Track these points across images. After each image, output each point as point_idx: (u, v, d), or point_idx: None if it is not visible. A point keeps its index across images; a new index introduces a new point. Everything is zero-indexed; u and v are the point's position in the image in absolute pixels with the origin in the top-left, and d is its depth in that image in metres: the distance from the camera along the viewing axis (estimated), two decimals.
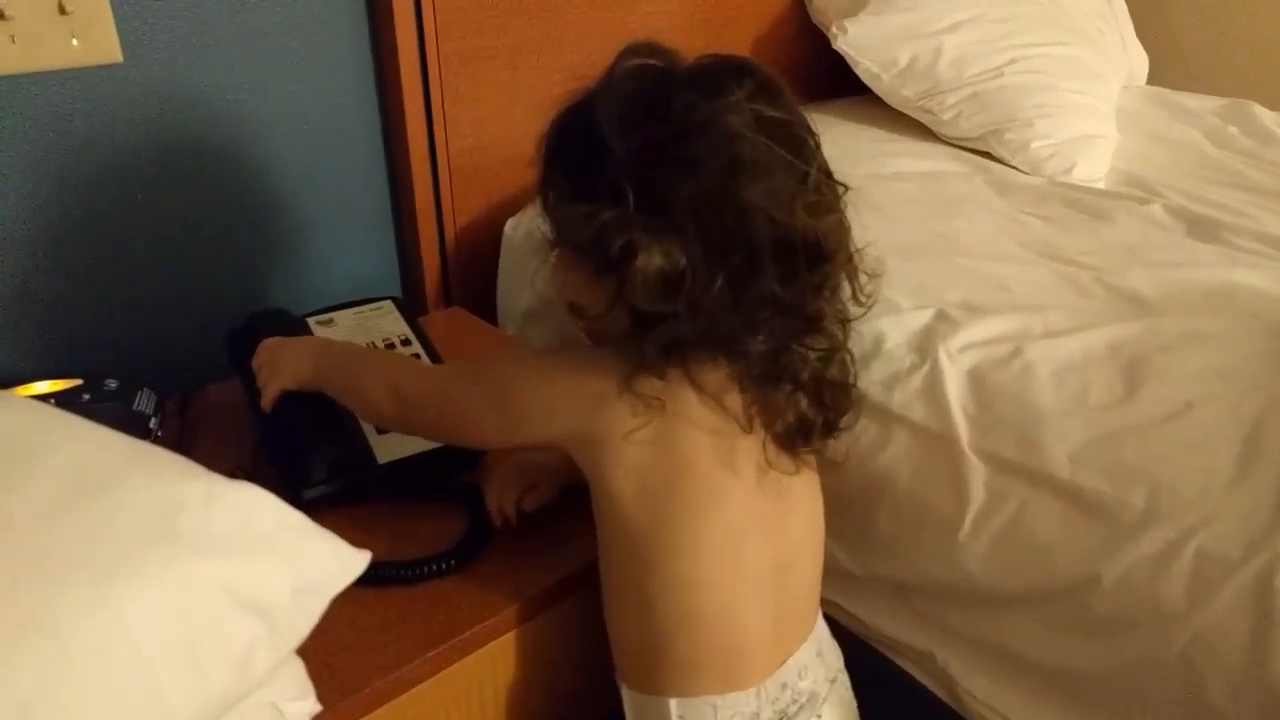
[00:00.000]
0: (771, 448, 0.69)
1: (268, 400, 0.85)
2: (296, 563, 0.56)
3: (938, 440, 0.86)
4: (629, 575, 0.70)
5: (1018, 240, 1.18)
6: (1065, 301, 1.01)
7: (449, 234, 1.28)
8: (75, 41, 0.93)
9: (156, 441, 0.88)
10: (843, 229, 0.68)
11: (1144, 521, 0.74)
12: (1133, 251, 1.14)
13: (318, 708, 0.63)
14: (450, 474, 0.89)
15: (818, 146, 0.68)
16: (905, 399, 0.89)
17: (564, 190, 0.67)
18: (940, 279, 1.05)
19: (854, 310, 0.73)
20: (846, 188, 0.69)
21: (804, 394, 0.68)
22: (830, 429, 0.73)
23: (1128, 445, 0.80)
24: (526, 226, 1.25)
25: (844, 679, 0.80)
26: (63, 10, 0.90)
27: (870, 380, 0.91)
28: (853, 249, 0.70)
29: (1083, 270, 1.08)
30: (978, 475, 0.83)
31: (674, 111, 0.63)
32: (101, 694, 0.46)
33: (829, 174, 0.68)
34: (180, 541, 0.51)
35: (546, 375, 0.70)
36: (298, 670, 0.62)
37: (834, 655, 0.80)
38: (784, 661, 0.72)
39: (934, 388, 0.89)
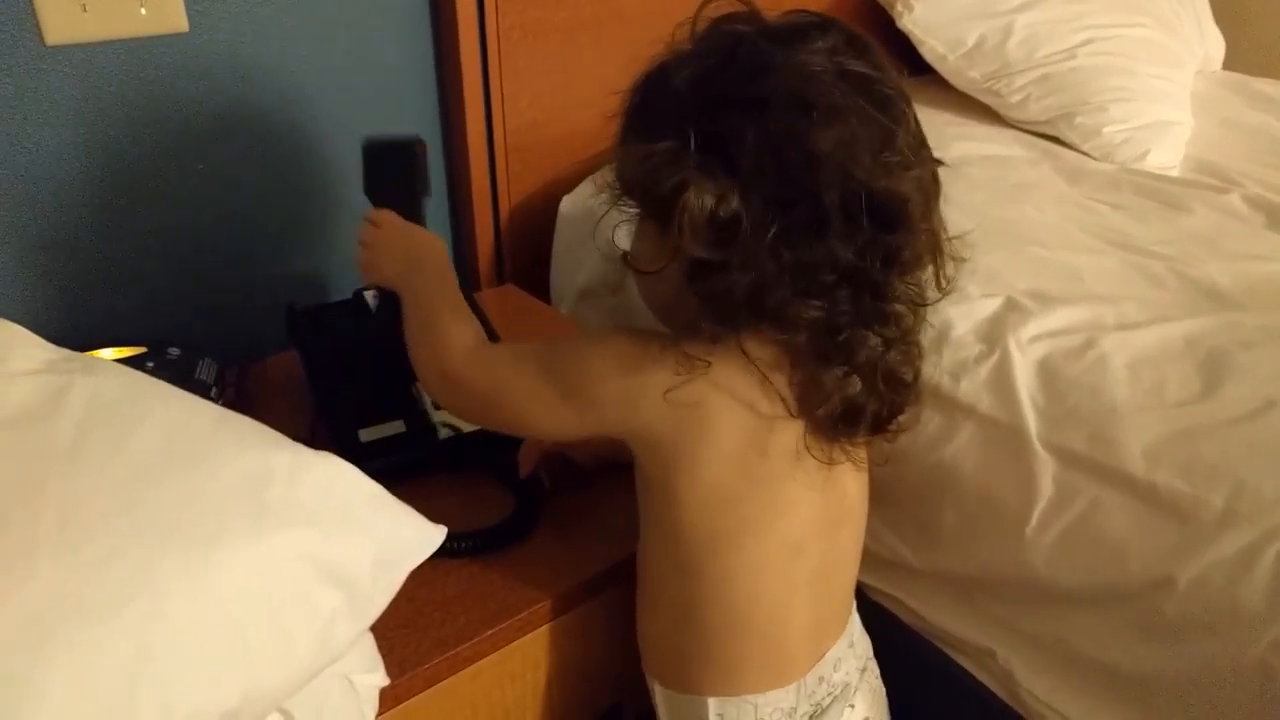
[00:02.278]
0: (810, 434, 0.63)
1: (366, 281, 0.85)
2: (377, 535, 0.56)
3: (1006, 432, 0.83)
4: (674, 581, 0.68)
5: (1088, 229, 1.14)
6: (1139, 293, 0.98)
7: (503, 211, 1.27)
8: (143, 10, 0.93)
9: None
10: (927, 198, 0.61)
11: (1223, 522, 0.72)
12: (1210, 242, 1.10)
13: (386, 681, 0.63)
14: (506, 451, 0.89)
15: (910, 112, 0.61)
16: (973, 389, 0.87)
17: (629, 137, 0.64)
18: (1009, 267, 1.02)
19: (931, 294, 0.65)
20: (941, 163, 0.64)
21: (858, 377, 0.62)
22: (883, 424, 0.66)
23: (1206, 443, 0.77)
24: (582, 204, 1.24)
25: (873, 666, 0.78)
26: None
27: (937, 369, 0.89)
28: (940, 227, 0.63)
29: (1157, 261, 1.05)
30: (1046, 469, 0.80)
31: (746, 52, 0.59)
32: (198, 658, 0.46)
33: (923, 142, 0.62)
34: (269, 511, 0.51)
35: (629, 365, 0.64)
36: (368, 644, 0.62)
37: (864, 644, 0.78)
38: (822, 656, 0.71)
39: (1003, 378, 0.86)
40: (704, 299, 0.60)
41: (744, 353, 0.61)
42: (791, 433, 0.63)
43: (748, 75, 0.58)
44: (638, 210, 0.65)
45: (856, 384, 0.62)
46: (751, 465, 0.63)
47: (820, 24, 0.60)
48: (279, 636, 0.50)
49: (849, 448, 0.65)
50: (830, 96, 0.57)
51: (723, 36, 0.62)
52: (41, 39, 0.90)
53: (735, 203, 0.57)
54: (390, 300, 0.81)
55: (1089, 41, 1.45)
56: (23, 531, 0.45)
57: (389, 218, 0.85)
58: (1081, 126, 1.39)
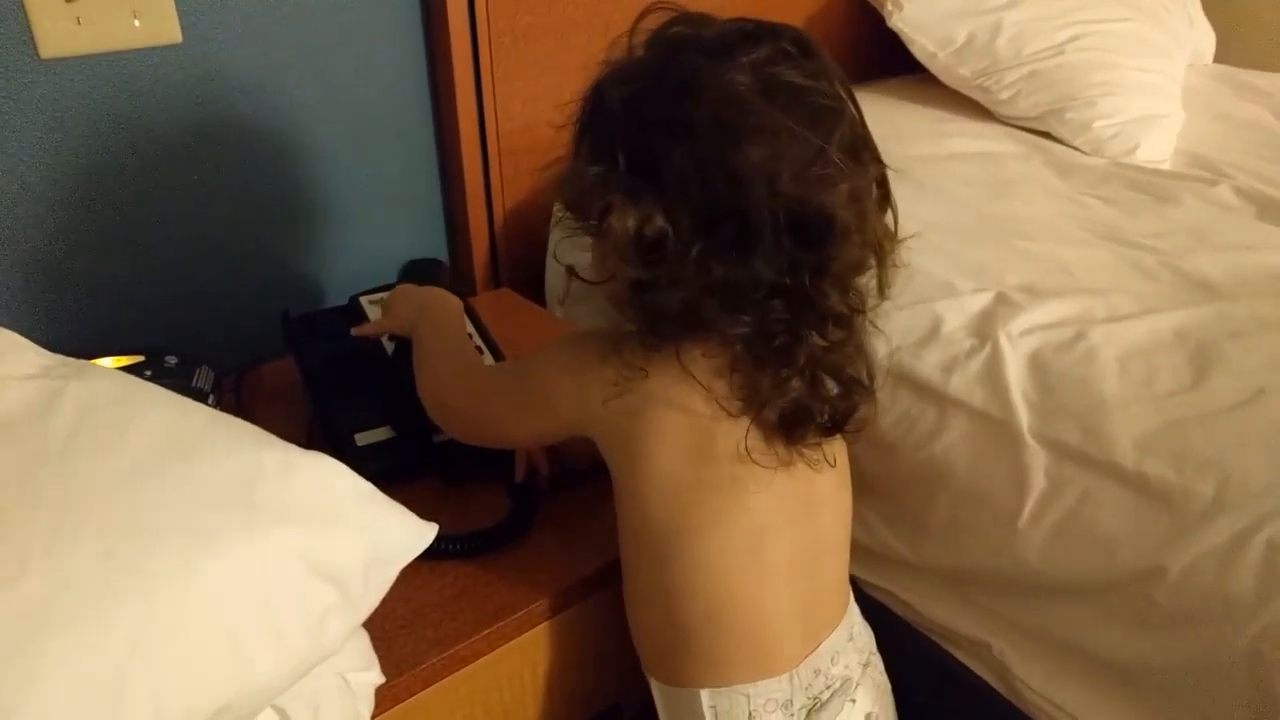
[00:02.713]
0: (755, 435, 0.64)
1: (363, 330, 0.93)
2: (369, 533, 0.57)
3: (997, 426, 0.84)
4: (651, 574, 0.69)
5: (1079, 222, 1.15)
6: (1129, 285, 0.99)
7: (498, 215, 1.28)
8: (137, 22, 0.94)
9: None
10: (861, 208, 0.61)
11: (1212, 511, 0.72)
12: (1200, 235, 1.10)
13: (381, 679, 0.64)
14: (500, 454, 0.89)
15: (846, 121, 0.62)
16: (964, 383, 0.87)
17: (575, 152, 0.66)
18: (999, 261, 1.03)
19: (872, 301, 0.66)
20: (885, 166, 0.64)
21: (799, 380, 0.63)
22: (837, 425, 0.67)
23: (1196, 433, 0.78)
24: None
25: (877, 661, 0.78)
26: None
27: (927, 364, 0.90)
28: (882, 233, 0.64)
29: (1147, 253, 1.05)
30: (1038, 462, 0.81)
31: (676, 71, 0.60)
32: (189, 655, 0.47)
33: (861, 149, 0.63)
34: (260, 509, 0.52)
35: (574, 373, 0.68)
36: (363, 642, 0.62)
37: (866, 638, 0.78)
38: (816, 648, 0.71)
39: (994, 372, 0.87)
40: (637, 314, 0.62)
41: (680, 362, 0.63)
42: (739, 432, 0.64)
43: (675, 97, 0.60)
44: (581, 226, 0.66)
45: (798, 386, 0.63)
46: (700, 466, 0.65)
47: (755, 34, 0.61)
48: (271, 633, 0.50)
49: (804, 450, 0.66)
50: (755, 118, 0.58)
51: (657, 51, 0.63)
52: (36, 52, 0.90)
53: (660, 222, 0.59)
54: (404, 345, 0.88)
55: (1077, 37, 1.46)
56: (17, 531, 0.46)
57: (401, 289, 0.94)
58: (1071, 121, 1.40)
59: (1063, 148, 1.39)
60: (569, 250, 0.71)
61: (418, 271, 0.99)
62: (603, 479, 0.84)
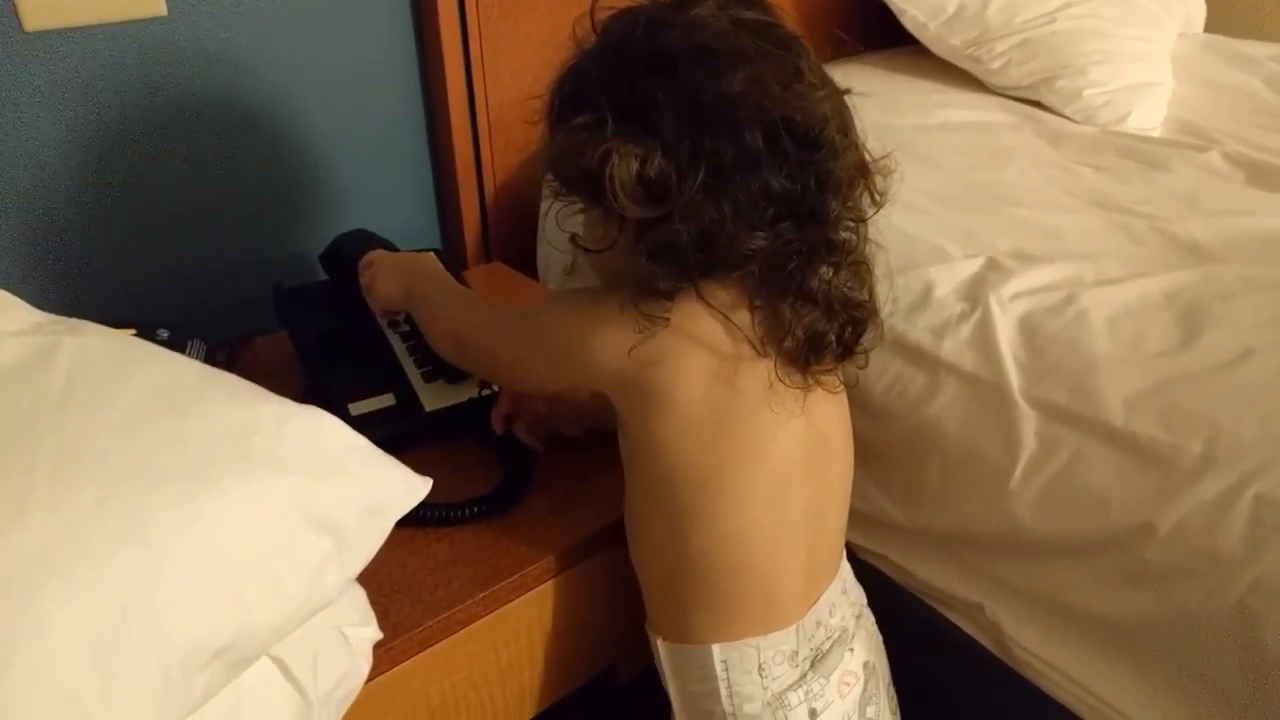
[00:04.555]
0: (781, 367, 0.65)
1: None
2: (364, 484, 0.57)
3: (988, 389, 0.84)
4: (668, 529, 0.69)
5: (1070, 190, 1.15)
6: (1119, 250, 0.99)
7: (488, 188, 1.28)
8: None
9: None
10: (843, 118, 0.64)
11: (1201, 468, 0.73)
12: (1190, 200, 1.11)
13: (379, 635, 0.64)
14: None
15: (808, 51, 0.65)
16: (955, 347, 0.88)
17: (552, 129, 0.67)
18: (990, 228, 1.03)
19: (869, 210, 0.68)
20: (848, 90, 0.66)
21: (814, 306, 0.65)
22: (848, 349, 0.69)
23: (1185, 392, 0.78)
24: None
25: (868, 613, 0.80)
26: None
27: (919, 329, 0.90)
28: (862, 145, 0.66)
29: (1138, 219, 1.06)
30: (1029, 423, 0.81)
31: (643, 24, 0.63)
32: (190, 596, 0.47)
33: (826, 76, 0.65)
34: (257, 459, 0.52)
35: (587, 316, 0.68)
36: (360, 597, 0.63)
37: (857, 591, 0.80)
38: (816, 600, 0.72)
39: (985, 336, 0.87)
40: (653, 257, 0.62)
41: (702, 299, 0.63)
42: (761, 368, 0.65)
43: (648, 41, 0.62)
44: (577, 199, 0.67)
45: (814, 312, 0.65)
46: (723, 403, 0.65)
47: None
48: (269, 579, 0.51)
49: (820, 375, 0.68)
50: (730, 41, 0.61)
51: (619, 19, 0.66)
52: (21, 25, 0.90)
53: (659, 159, 0.60)
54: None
55: (1069, 4, 1.46)
56: (18, 480, 0.46)
57: (378, 254, 0.93)
58: (1062, 90, 1.39)
59: (1054, 117, 1.39)
60: (567, 222, 0.71)
61: (353, 246, 0.97)
62: (596, 444, 0.85)
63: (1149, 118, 1.36)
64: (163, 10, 0.97)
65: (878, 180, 0.67)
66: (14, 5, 0.89)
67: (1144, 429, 0.76)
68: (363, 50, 1.14)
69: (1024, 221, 1.05)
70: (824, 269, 0.64)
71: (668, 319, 0.63)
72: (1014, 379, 0.83)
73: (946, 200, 1.10)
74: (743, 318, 0.64)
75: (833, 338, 0.66)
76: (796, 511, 0.69)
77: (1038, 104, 1.43)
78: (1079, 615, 0.78)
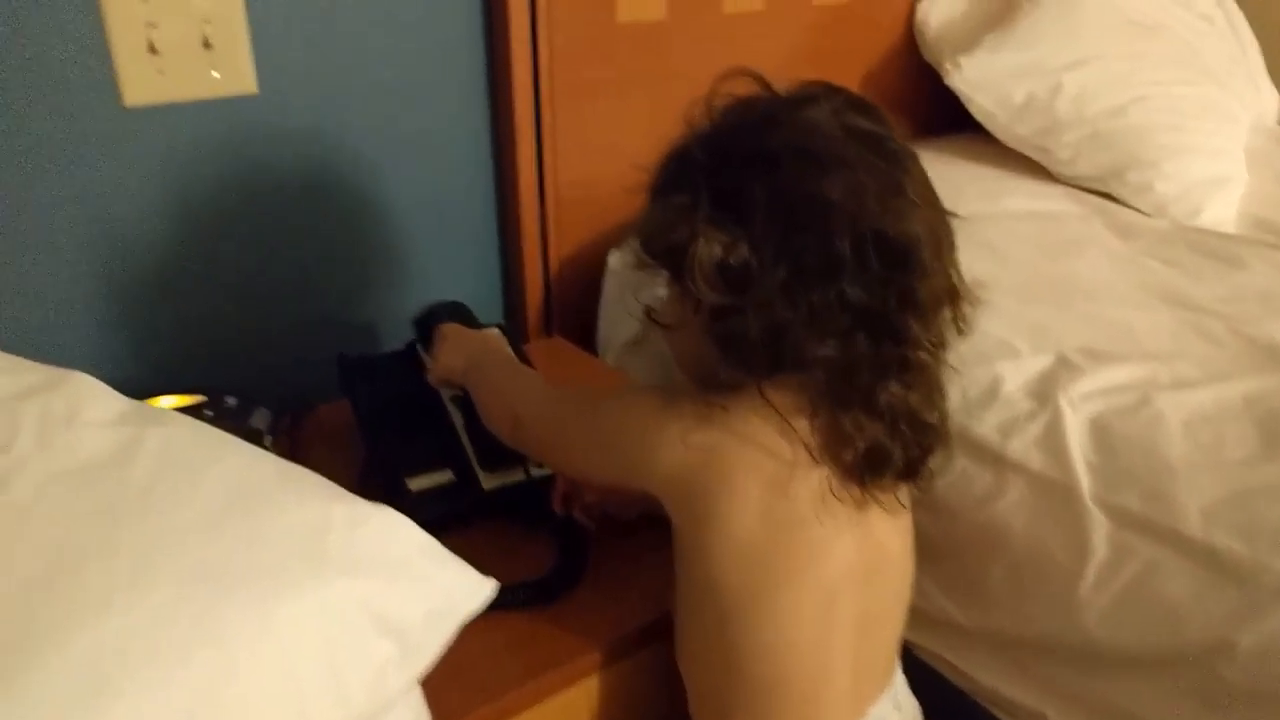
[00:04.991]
0: (837, 479, 0.63)
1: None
2: (430, 586, 0.57)
3: (1057, 490, 0.82)
4: (713, 634, 0.67)
5: (1140, 285, 1.13)
6: (1195, 350, 0.97)
7: (553, 264, 1.29)
8: (215, 74, 0.98)
9: None
10: (938, 240, 0.63)
11: None
12: (1268, 299, 1.08)
13: None
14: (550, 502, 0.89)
15: (917, 167, 0.64)
16: (1023, 446, 0.86)
17: (650, 203, 0.67)
18: (1059, 323, 1.01)
19: (951, 338, 0.67)
20: (955, 215, 0.65)
21: (879, 421, 0.63)
22: (913, 470, 0.66)
23: (1267, 505, 0.75)
24: (630, 257, 1.26)
25: None
26: (207, 45, 0.95)
27: (985, 425, 0.88)
28: (953, 271, 0.65)
29: (1213, 318, 1.03)
30: (1100, 529, 0.79)
31: (756, 115, 0.64)
32: (255, 703, 0.47)
33: (933, 194, 0.64)
34: (328, 560, 0.52)
35: (650, 414, 0.67)
36: (417, 697, 0.62)
37: (911, 707, 0.76)
38: (864, 714, 0.69)
39: (1054, 436, 0.85)
40: (721, 345, 0.62)
41: (763, 397, 0.62)
42: (816, 478, 0.63)
43: (757, 134, 0.62)
44: (660, 270, 0.68)
45: (878, 428, 0.63)
46: (776, 511, 0.63)
47: (827, 90, 0.65)
48: (332, 683, 0.50)
49: (879, 493, 0.66)
50: (836, 148, 0.61)
51: (737, 108, 0.66)
52: (121, 101, 0.94)
53: (745, 250, 0.60)
54: (466, 400, 0.89)
55: (1141, 99, 1.44)
56: (99, 575, 0.47)
57: (450, 328, 0.95)
58: (1133, 183, 1.38)
59: (1124, 209, 1.38)
60: (643, 295, 0.72)
61: (441, 315, 0.99)
62: (651, 529, 0.83)
63: (1223, 213, 1.34)
64: (254, 89, 1.01)
65: (966, 308, 0.66)
66: (115, 83, 0.93)
67: (1223, 541, 0.73)
68: (438, 127, 1.17)
69: (1094, 317, 1.03)
70: (895, 386, 0.63)
71: (725, 408, 0.63)
72: (1085, 482, 0.81)
73: (1013, 292, 1.08)
74: (801, 423, 0.63)
75: (897, 457, 0.64)
76: (846, 623, 0.67)
77: (1107, 195, 1.41)
78: None
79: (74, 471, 0.52)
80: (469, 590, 0.60)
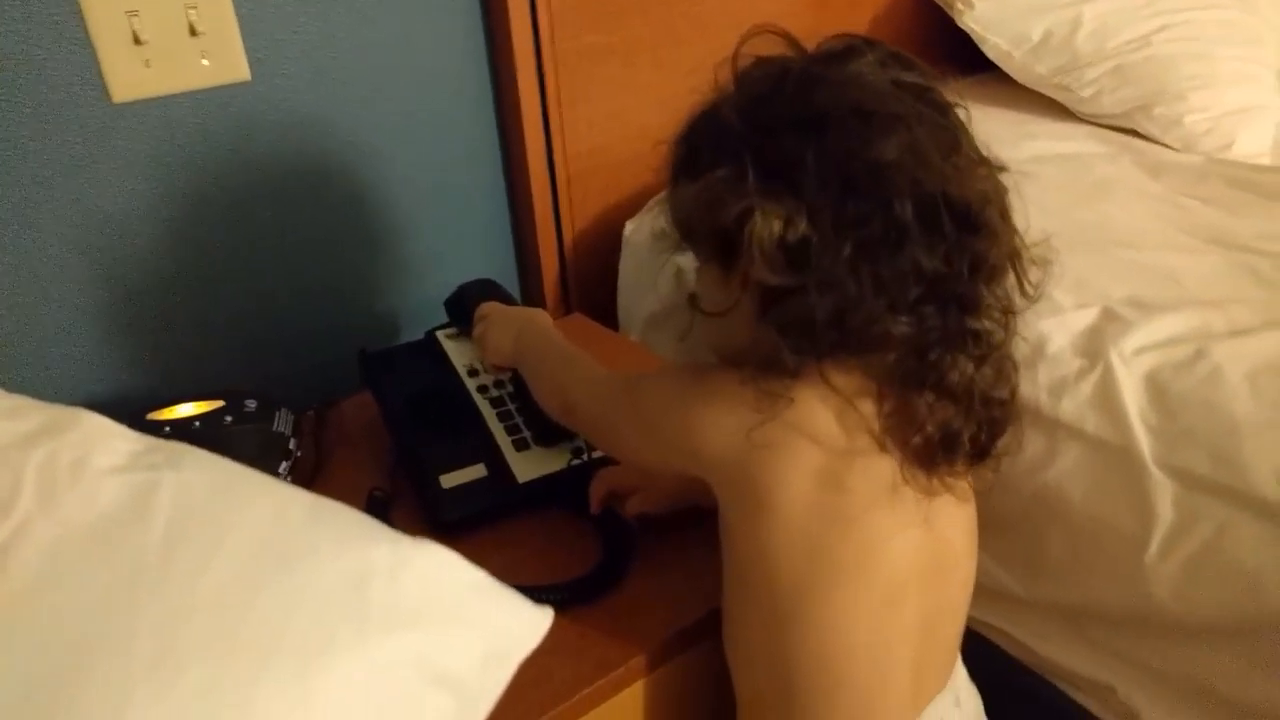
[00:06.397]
0: (908, 466, 0.59)
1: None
2: (485, 628, 0.53)
3: (1116, 453, 0.79)
4: (765, 634, 0.64)
5: (1179, 226, 1.09)
6: (1247, 294, 0.92)
7: (567, 239, 1.25)
8: (205, 62, 0.93)
9: (296, 463, 0.88)
10: (1002, 199, 0.59)
11: None
12: None
13: None
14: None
15: (968, 120, 0.60)
16: (1075, 408, 0.82)
17: (680, 179, 0.62)
18: (1100, 273, 0.97)
19: (1019, 302, 0.62)
20: (1004, 168, 0.61)
21: (952, 401, 0.58)
22: (983, 451, 0.62)
23: None
24: (647, 228, 1.21)
25: None
26: (193, 32, 0.90)
27: (1034, 386, 0.85)
28: (1016, 232, 0.60)
29: (1261, 257, 0.99)
30: (1165, 493, 0.75)
31: (795, 76, 0.57)
32: None
33: (983, 148, 0.60)
34: (372, 616, 0.48)
35: (695, 392, 0.62)
36: None
37: (972, 701, 0.73)
38: (921, 711, 0.66)
39: (1108, 395, 0.81)
40: (781, 329, 0.57)
41: (826, 381, 0.58)
42: (878, 467, 0.59)
43: (800, 96, 0.57)
44: (698, 254, 0.63)
45: (950, 408, 0.58)
46: (830, 506, 0.59)
47: (864, 42, 0.59)
48: None
49: (948, 478, 0.61)
50: (888, 104, 0.55)
51: (766, 67, 0.60)
52: (109, 97, 0.90)
53: (804, 225, 0.54)
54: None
55: (1163, 28, 1.39)
56: (116, 663, 0.43)
57: (491, 307, 0.92)
58: (1161, 117, 1.33)
59: (1152, 145, 1.32)
60: (672, 279, 0.66)
61: (475, 295, 0.97)
62: (689, 523, 0.80)
63: (1257, 144, 1.29)
64: (247, 76, 0.96)
65: (1032, 270, 0.61)
66: (102, 78, 0.89)
67: None
68: (439, 105, 1.12)
69: (1136, 264, 0.99)
70: (966, 361, 0.58)
71: (791, 399, 0.58)
72: (1144, 444, 0.78)
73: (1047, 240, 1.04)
74: (867, 407, 0.58)
75: (966, 439, 0.60)
76: (907, 624, 0.63)
77: (1133, 132, 1.36)
78: (1230, 705, 0.72)
79: (84, 534, 0.48)
80: (527, 626, 0.56)
